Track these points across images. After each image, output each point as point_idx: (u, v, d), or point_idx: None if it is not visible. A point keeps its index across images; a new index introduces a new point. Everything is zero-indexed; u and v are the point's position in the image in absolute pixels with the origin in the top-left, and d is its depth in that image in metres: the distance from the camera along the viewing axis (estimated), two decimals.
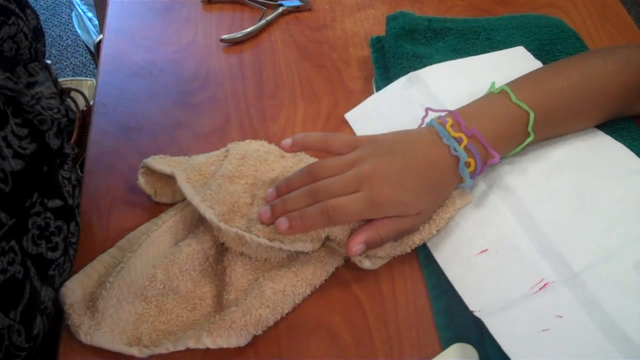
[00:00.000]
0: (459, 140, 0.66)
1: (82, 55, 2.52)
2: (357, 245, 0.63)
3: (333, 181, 0.64)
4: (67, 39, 2.55)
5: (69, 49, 2.55)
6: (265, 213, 0.64)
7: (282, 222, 0.63)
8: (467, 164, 0.66)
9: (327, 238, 0.65)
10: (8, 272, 0.58)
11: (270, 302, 0.62)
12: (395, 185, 0.63)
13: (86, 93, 1.54)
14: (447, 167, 0.66)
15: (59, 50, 2.50)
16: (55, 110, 0.64)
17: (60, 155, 0.68)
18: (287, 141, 0.67)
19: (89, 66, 2.47)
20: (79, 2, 2.00)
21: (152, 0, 0.99)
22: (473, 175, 0.67)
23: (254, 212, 0.66)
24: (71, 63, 2.47)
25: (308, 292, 0.65)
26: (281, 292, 0.63)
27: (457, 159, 0.66)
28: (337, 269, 0.67)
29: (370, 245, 0.64)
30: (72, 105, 0.70)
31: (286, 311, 0.64)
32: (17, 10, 0.64)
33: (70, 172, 0.70)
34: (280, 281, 0.64)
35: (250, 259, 0.66)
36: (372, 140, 0.68)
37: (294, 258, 0.67)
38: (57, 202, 0.66)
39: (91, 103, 1.36)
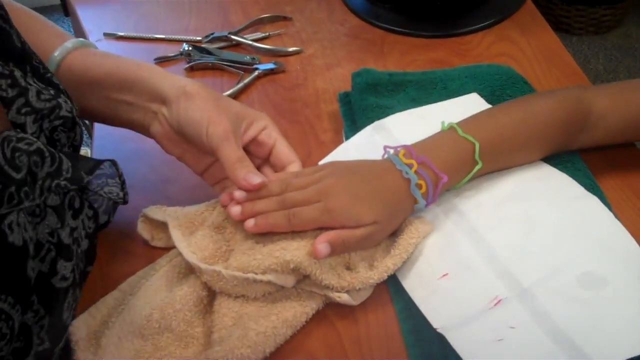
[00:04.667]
0: (410, 166, 0.75)
1: None
2: (320, 244, 0.69)
3: (298, 193, 0.73)
4: None
5: None
6: (235, 211, 0.73)
7: (249, 221, 0.72)
8: (419, 186, 0.74)
9: (299, 271, 0.70)
10: None
11: (252, 343, 0.68)
12: (350, 197, 0.72)
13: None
14: (399, 188, 0.74)
15: None
16: (115, 194, 0.74)
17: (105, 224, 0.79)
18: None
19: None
20: None
21: None
22: (427, 197, 0.75)
23: (232, 258, 0.74)
24: None
25: (289, 333, 0.71)
26: (263, 334, 0.69)
27: (409, 181, 0.74)
28: None
29: (334, 246, 0.70)
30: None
31: (268, 352, 0.69)
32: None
33: None
34: (263, 323, 0.70)
35: (234, 300, 0.72)
36: (334, 163, 0.78)
37: (276, 300, 0.73)
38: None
39: None
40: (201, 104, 0.75)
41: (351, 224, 0.71)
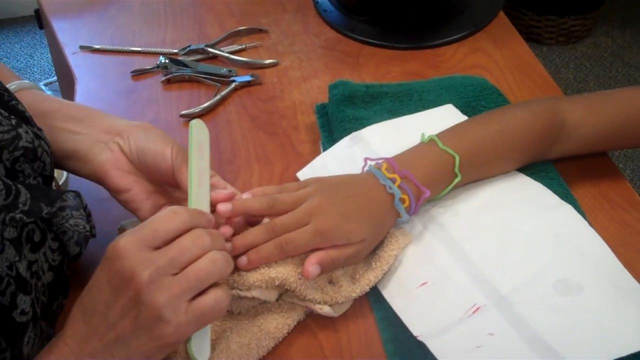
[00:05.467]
0: (393, 180, 0.76)
1: None
2: (312, 265, 0.70)
3: (286, 218, 0.72)
4: None
5: None
6: (227, 247, 0.70)
7: (242, 259, 0.71)
8: (402, 200, 0.75)
9: (283, 287, 0.71)
10: None
11: (236, 355, 0.68)
12: (339, 216, 0.72)
13: (55, 174, 1.62)
14: (384, 202, 0.75)
15: None
16: (81, 227, 0.72)
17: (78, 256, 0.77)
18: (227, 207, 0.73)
19: None
20: (45, 88, 2.09)
21: (116, 84, 1.09)
22: (409, 210, 0.77)
23: None
24: None
25: (272, 345, 0.71)
26: (246, 346, 0.69)
27: (393, 195, 0.75)
28: None
29: (324, 266, 0.71)
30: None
31: None
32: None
33: None
34: (246, 335, 0.70)
35: None
36: (319, 180, 0.78)
37: (258, 313, 0.73)
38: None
39: (60, 183, 1.43)
40: (161, 133, 0.76)
41: (341, 243, 0.72)
